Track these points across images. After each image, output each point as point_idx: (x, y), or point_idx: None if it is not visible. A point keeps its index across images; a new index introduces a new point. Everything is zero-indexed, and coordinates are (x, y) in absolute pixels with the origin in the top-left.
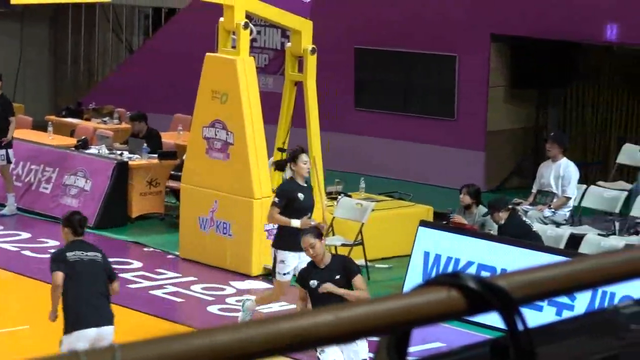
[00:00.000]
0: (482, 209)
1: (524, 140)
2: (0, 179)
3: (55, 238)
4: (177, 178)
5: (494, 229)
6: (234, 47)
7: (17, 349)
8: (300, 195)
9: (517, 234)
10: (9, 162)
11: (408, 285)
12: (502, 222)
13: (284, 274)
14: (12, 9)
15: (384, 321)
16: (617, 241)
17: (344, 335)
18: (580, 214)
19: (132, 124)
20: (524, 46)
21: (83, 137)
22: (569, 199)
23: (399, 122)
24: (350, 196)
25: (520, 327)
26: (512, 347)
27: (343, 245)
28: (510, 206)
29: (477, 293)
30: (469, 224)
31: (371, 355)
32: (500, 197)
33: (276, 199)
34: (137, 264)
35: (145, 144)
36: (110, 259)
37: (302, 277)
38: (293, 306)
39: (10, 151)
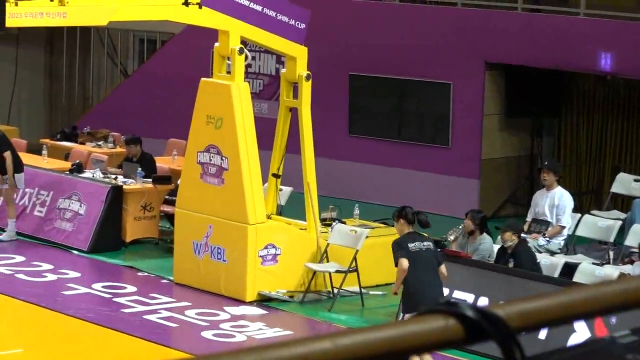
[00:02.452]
0: (487, 238)
1: (518, 168)
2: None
3: (49, 262)
4: (172, 203)
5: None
6: (229, 72)
7: None
8: None
9: (529, 263)
10: (14, 186)
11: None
12: (508, 244)
13: None
14: (6, 32)
15: (382, 349)
16: (611, 270)
17: None
18: (574, 243)
19: (127, 148)
20: (518, 74)
21: (77, 161)
22: (563, 227)
23: (393, 149)
24: (344, 223)
25: (517, 356)
26: None
27: (337, 271)
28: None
29: (474, 322)
30: (470, 250)
31: None
32: (519, 222)
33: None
34: (131, 289)
35: (139, 168)
36: (104, 283)
37: None
38: (287, 332)
39: (17, 176)
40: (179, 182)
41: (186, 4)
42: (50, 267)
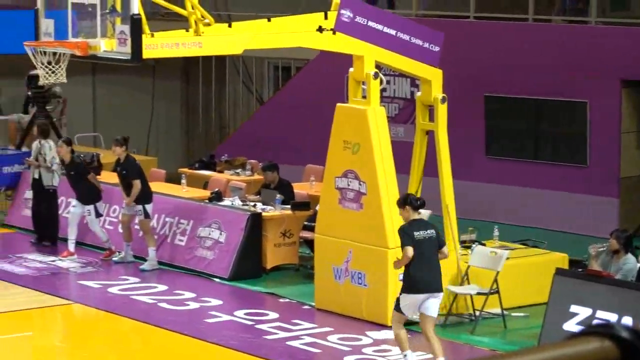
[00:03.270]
0: (631, 258)
1: None
2: (132, 232)
3: (191, 290)
4: (311, 228)
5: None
6: (364, 97)
7: None
8: None
9: None
10: (147, 217)
11: (545, 334)
12: None
13: None
14: (143, 63)
15: None
16: None
17: None
18: None
19: (265, 175)
20: None
21: (216, 189)
22: None
23: (530, 169)
24: (484, 244)
25: None
26: None
27: (478, 293)
28: None
29: (630, 343)
30: (613, 270)
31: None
32: None
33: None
34: (273, 315)
35: (278, 195)
36: (246, 311)
37: None
38: (430, 356)
39: (148, 206)
40: (317, 207)
41: (320, 30)
42: (192, 295)
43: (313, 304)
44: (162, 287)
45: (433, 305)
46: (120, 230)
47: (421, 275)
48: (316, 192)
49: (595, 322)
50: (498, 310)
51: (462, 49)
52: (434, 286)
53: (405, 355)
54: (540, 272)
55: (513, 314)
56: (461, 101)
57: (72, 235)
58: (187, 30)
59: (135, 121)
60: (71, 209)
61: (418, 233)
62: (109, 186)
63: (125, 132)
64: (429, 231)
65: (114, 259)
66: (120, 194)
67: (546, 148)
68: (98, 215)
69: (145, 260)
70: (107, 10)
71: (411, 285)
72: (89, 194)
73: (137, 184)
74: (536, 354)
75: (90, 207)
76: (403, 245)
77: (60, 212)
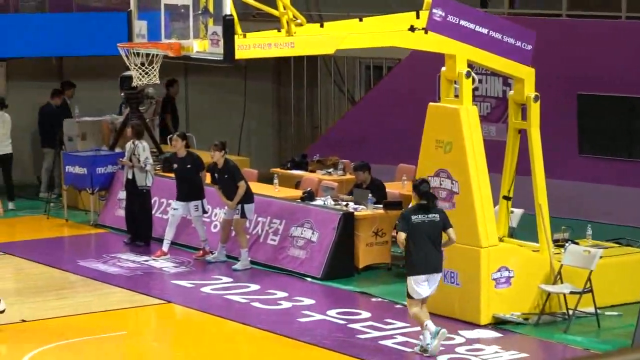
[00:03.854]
0: None
1: None
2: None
3: (283, 289)
4: None
5: None
6: (456, 96)
7: None
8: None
9: None
10: (243, 216)
11: (639, 333)
12: None
13: None
14: (236, 64)
15: None
16: None
17: None
18: None
19: (357, 174)
20: None
21: (308, 189)
22: None
23: (624, 167)
24: (577, 243)
25: None
26: None
27: (572, 292)
28: None
29: None
30: None
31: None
32: None
33: None
34: (365, 314)
35: (370, 195)
36: (339, 310)
37: None
38: (523, 355)
39: (247, 206)
40: (409, 207)
41: (412, 29)
42: (285, 294)
43: (405, 303)
44: (254, 287)
45: (432, 284)
46: (215, 231)
47: (418, 258)
48: (408, 191)
49: None
50: (591, 309)
51: (555, 47)
52: (432, 266)
53: (426, 325)
54: (634, 270)
55: (607, 313)
56: (554, 99)
57: (169, 235)
58: (279, 31)
59: (227, 122)
60: (172, 211)
61: (416, 217)
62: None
63: (217, 133)
64: (430, 215)
65: (207, 258)
66: (214, 194)
67: None
68: (204, 212)
69: (238, 260)
70: (200, 11)
71: (410, 267)
72: (198, 190)
73: (242, 185)
74: (632, 354)
75: (198, 203)
76: (398, 230)
77: (153, 212)
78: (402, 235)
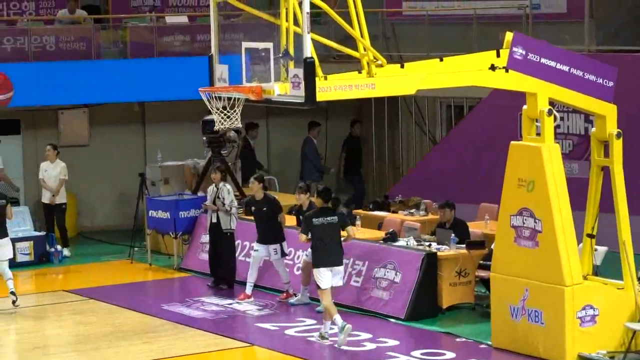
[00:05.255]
0: None
1: None
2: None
3: (368, 331)
4: (486, 267)
5: None
6: (538, 134)
7: None
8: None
9: None
10: (283, 255)
11: None
12: None
13: None
14: (318, 106)
15: None
16: None
17: None
18: None
19: (442, 212)
20: None
21: (391, 230)
22: None
23: None
24: None
25: None
26: None
27: None
28: None
29: None
30: None
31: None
32: None
33: None
34: (449, 355)
35: (453, 234)
36: (423, 351)
37: None
38: None
39: (284, 244)
40: (492, 246)
41: (492, 68)
42: (369, 336)
43: (490, 342)
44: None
45: (335, 276)
46: (298, 273)
47: (320, 254)
48: (491, 230)
49: None
50: None
51: (637, 84)
52: (332, 260)
53: (334, 319)
54: None
55: None
56: (636, 136)
57: (251, 277)
58: (360, 72)
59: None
60: (254, 253)
61: (317, 219)
62: (286, 229)
63: (298, 175)
64: (329, 218)
65: (291, 301)
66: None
67: None
68: (283, 254)
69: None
70: (281, 54)
71: (315, 261)
72: (276, 232)
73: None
74: None
75: (277, 246)
76: (300, 232)
77: (236, 255)
78: (301, 237)
